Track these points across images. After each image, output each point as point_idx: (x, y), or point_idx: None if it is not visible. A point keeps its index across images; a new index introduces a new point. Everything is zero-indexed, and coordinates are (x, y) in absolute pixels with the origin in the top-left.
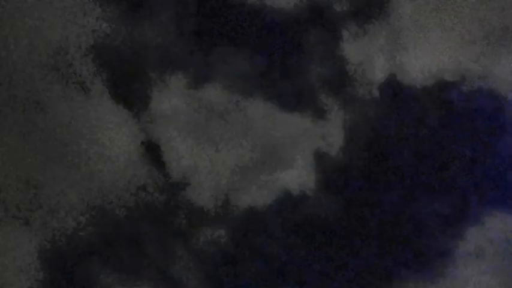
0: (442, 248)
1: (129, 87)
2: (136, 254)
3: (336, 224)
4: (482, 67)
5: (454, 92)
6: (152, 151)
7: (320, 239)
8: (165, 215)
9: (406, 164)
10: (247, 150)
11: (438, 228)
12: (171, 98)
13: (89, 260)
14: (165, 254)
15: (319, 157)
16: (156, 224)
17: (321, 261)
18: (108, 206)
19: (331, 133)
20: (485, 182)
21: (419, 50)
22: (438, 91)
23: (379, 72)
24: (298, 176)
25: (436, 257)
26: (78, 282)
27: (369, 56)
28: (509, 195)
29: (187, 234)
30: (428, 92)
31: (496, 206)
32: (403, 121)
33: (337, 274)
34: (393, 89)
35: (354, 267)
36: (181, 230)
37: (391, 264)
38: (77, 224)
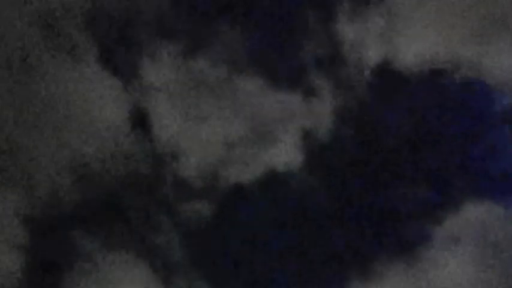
0: (421, 233)
1: (119, 55)
2: (120, 222)
3: (319, 203)
4: (476, 57)
5: (446, 80)
6: (140, 121)
7: (303, 217)
8: (150, 186)
9: (393, 148)
10: (236, 126)
11: (418, 213)
12: (161, 68)
13: (71, 226)
14: (149, 223)
15: (307, 137)
16: (141, 194)
17: (303, 239)
18: (93, 173)
19: (320, 113)
20: (467, 169)
21: (414, 36)
22: (430, 78)
23: (373, 55)
24: (285, 154)
25: (414, 242)
26: (60, 248)
27: (363, 38)
28: (489, 183)
29: (172, 205)
30: (421, 78)
31: (475, 193)
32: (393, 105)
33: (317, 253)
34: (386, 73)
35: (335, 247)
36: (166, 201)
37: (371, 246)
38: (60, 188)
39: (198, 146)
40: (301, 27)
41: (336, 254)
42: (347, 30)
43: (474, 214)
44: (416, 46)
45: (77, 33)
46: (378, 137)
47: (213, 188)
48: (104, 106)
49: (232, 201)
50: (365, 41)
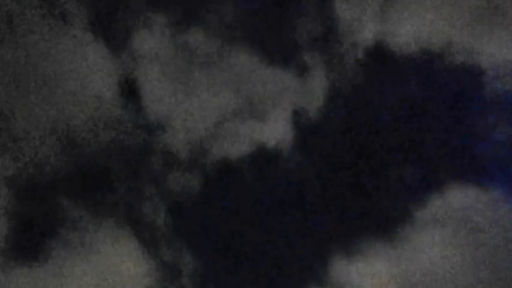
0: (404, 215)
1: (111, 23)
2: (106, 190)
3: (306, 181)
4: (469, 41)
5: (438, 63)
6: (130, 90)
7: (290, 194)
8: (138, 156)
9: (382, 129)
10: (227, 100)
11: (403, 195)
12: (153, 37)
13: (56, 191)
14: (136, 193)
15: (298, 114)
16: (129, 164)
17: (290, 216)
18: (80, 140)
19: (312, 91)
20: (454, 153)
21: (409, 17)
22: (423, 60)
23: (368, 33)
24: (275, 131)
25: (398, 223)
26: (44, 213)
27: (359, 18)
28: (474, 167)
29: (159, 177)
30: (413, 60)
31: (460, 177)
32: (385, 86)
33: (305, 230)
34: (379, 53)
35: (319, 225)
36: (153, 172)
37: (354, 225)
38: (46, 154)
39: (187, 118)
40: (297, 4)
41: (320, 231)
42: (343, 9)
43: (457, 198)
44: (411, 27)
45: (68, 0)
46: (368, 118)
47: (202, 161)
48: (93, 74)
49: (220, 175)
50: (360, 21)
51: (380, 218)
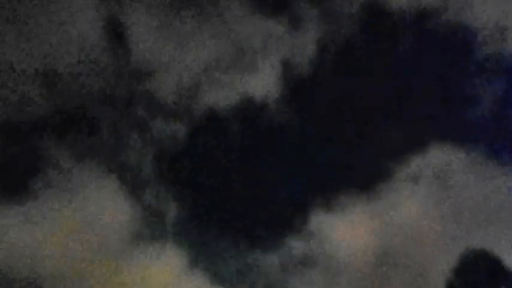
0: (385, 171)
1: None
2: (90, 135)
3: (293, 134)
4: (462, 2)
5: (432, 21)
6: (116, 34)
7: (275, 147)
8: (123, 102)
9: (371, 86)
10: (216, 49)
11: (385, 152)
12: None
13: (42, 135)
14: (120, 139)
15: (288, 66)
16: (114, 109)
17: (273, 168)
18: (64, 84)
19: (303, 43)
20: (440, 114)
21: None
22: (418, 17)
23: None
24: (263, 83)
25: (378, 179)
26: (31, 155)
27: None
28: (458, 128)
29: (144, 124)
30: (406, 17)
31: (442, 137)
32: (377, 43)
33: (286, 182)
34: (374, 9)
35: (301, 179)
36: (138, 119)
37: (337, 180)
38: (29, 96)
39: (175, 66)
40: None
41: (301, 186)
42: None
43: (437, 156)
44: None
45: None
46: (358, 74)
47: (188, 110)
48: (78, 16)
49: (206, 125)
50: None
51: (361, 174)
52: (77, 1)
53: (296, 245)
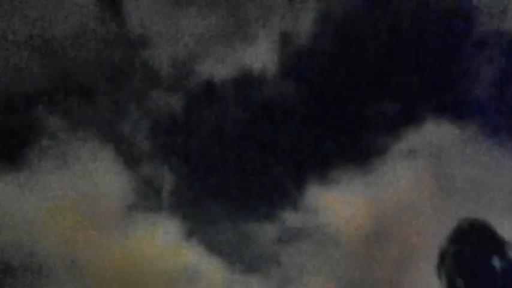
0: (381, 146)
1: None
2: (86, 105)
3: (288, 109)
4: None
5: None
6: (113, 4)
7: (271, 120)
8: (119, 71)
9: (369, 61)
10: (214, 20)
11: (380, 126)
12: None
13: (34, 103)
14: (116, 109)
15: (286, 38)
16: (109, 79)
17: (270, 141)
18: (57, 52)
19: (301, 16)
20: (436, 89)
21: None
22: None
23: None
24: (261, 55)
25: (374, 153)
26: (26, 124)
27: None
28: (454, 103)
29: (140, 94)
30: None
31: (438, 113)
32: (377, 14)
33: (283, 156)
34: None
35: (297, 151)
36: (134, 89)
37: (331, 153)
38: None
39: (171, 36)
40: None
41: (297, 159)
42: None
43: (433, 132)
44: None
45: None
46: (356, 47)
47: (184, 82)
48: None
49: (203, 96)
50: None
51: (357, 148)
52: None
53: (291, 218)
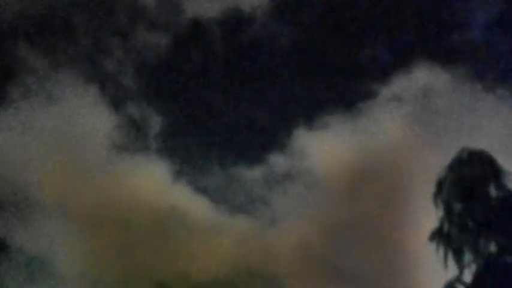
0: (369, 91)
1: None
2: (69, 42)
3: (278, 51)
4: None
5: None
6: None
7: (260, 62)
8: (102, 7)
9: (363, 5)
10: None
11: (370, 71)
12: None
13: (18, 39)
14: (100, 47)
15: None
16: (93, 15)
17: (257, 83)
18: None
19: None
20: (426, 34)
21: None
22: None
23: None
24: None
25: (362, 98)
26: (7, 59)
27: None
28: (442, 49)
29: (126, 32)
30: None
31: (429, 58)
32: None
33: (271, 99)
34: None
35: (285, 96)
36: (119, 27)
37: (321, 98)
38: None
39: None
40: None
41: (285, 102)
42: None
43: (423, 77)
44: None
45: None
46: None
47: (171, 20)
48: None
49: (190, 36)
50: None
51: (345, 93)
52: None
53: (279, 161)
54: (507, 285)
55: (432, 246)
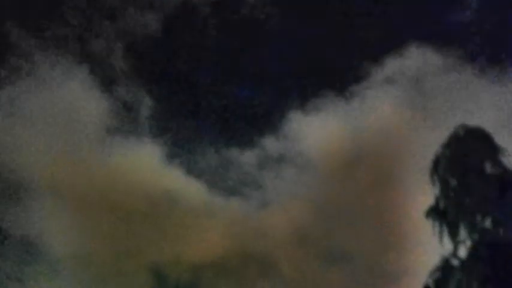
0: (362, 73)
1: None
2: (58, 22)
3: (273, 31)
4: None
5: None
6: None
7: (252, 40)
8: None
9: None
10: None
11: (361, 53)
12: None
13: (6, 19)
14: (90, 28)
15: None
16: None
17: (251, 67)
18: None
19: None
20: (419, 16)
21: None
22: None
23: None
24: None
25: (354, 80)
26: None
27: None
28: (435, 31)
29: (115, 13)
30: None
31: (419, 39)
32: None
33: (262, 80)
34: None
35: (282, 78)
36: (108, 7)
37: (314, 82)
38: None
39: None
40: None
41: (278, 86)
42: None
43: (415, 60)
44: None
45: None
46: None
47: (163, 0)
48: None
49: (180, 15)
50: None
51: (337, 76)
52: None
53: (272, 144)
54: (502, 260)
55: (426, 225)
